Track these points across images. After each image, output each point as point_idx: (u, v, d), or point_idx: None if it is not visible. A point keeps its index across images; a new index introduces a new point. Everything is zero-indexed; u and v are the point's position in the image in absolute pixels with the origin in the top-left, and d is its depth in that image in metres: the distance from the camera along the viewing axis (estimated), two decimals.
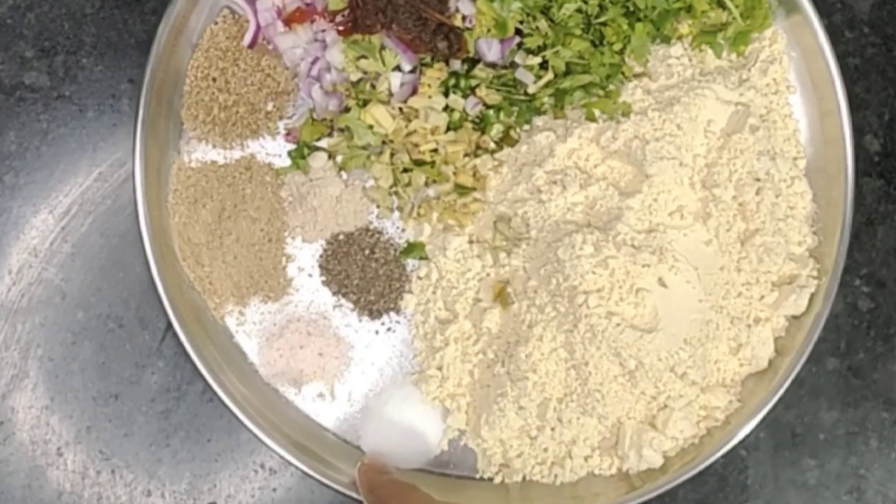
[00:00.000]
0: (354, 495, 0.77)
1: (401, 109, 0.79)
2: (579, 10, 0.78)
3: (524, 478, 0.79)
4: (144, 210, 0.78)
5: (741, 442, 0.77)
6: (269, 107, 0.80)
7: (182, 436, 0.82)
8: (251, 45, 0.80)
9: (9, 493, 0.81)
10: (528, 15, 0.78)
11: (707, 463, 0.77)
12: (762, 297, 0.79)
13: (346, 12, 0.78)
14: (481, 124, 0.80)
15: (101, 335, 0.82)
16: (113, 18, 0.84)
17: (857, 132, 0.80)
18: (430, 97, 0.78)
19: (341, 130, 0.80)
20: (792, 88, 0.82)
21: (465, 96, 0.79)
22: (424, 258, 0.80)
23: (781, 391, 0.77)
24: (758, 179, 0.79)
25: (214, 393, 0.77)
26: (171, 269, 0.79)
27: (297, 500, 0.82)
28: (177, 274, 0.80)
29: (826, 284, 0.78)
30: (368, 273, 0.80)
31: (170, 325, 0.78)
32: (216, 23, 0.80)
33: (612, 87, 0.79)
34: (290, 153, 0.80)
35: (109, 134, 0.83)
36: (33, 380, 0.81)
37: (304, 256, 0.81)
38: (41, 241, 0.82)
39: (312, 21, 0.79)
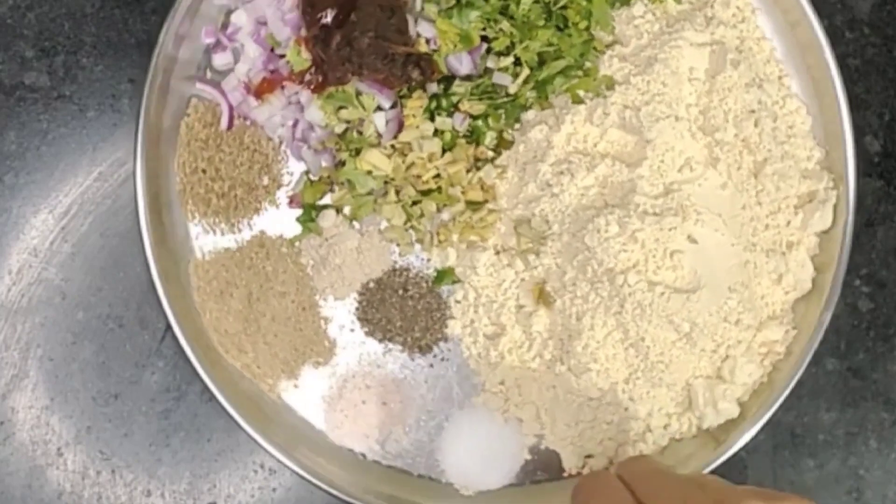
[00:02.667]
0: (354, 500, 0.77)
1: (393, 147, 0.78)
2: (537, 2, 0.77)
3: (611, 461, 0.79)
4: (144, 210, 0.77)
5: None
6: (265, 181, 0.80)
7: (182, 436, 0.82)
8: (229, 127, 0.79)
9: (9, 493, 0.81)
10: (488, 20, 0.77)
11: (781, 399, 0.77)
12: (788, 221, 0.79)
13: (313, 70, 0.77)
14: (473, 136, 0.79)
15: (101, 335, 0.82)
16: (113, 18, 0.83)
17: (858, 133, 0.80)
18: (417, 127, 0.77)
19: (342, 183, 0.79)
20: (757, 11, 0.81)
21: (450, 115, 0.78)
22: (457, 281, 0.80)
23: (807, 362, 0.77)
24: (752, 111, 0.79)
25: (213, 394, 0.77)
26: (170, 269, 0.79)
27: (297, 500, 0.82)
28: (177, 274, 0.79)
29: (844, 199, 0.78)
30: (407, 311, 0.80)
31: (170, 326, 0.77)
32: (188, 115, 0.80)
33: (588, 64, 0.79)
34: (298, 219, 0.80)
35: (109, 134, 0.83)
36: (33, 380, 0.81)
37: (340, 314, 0.80)
38: (41, 241, 0.82)
39: (283, 87, 0.78)
